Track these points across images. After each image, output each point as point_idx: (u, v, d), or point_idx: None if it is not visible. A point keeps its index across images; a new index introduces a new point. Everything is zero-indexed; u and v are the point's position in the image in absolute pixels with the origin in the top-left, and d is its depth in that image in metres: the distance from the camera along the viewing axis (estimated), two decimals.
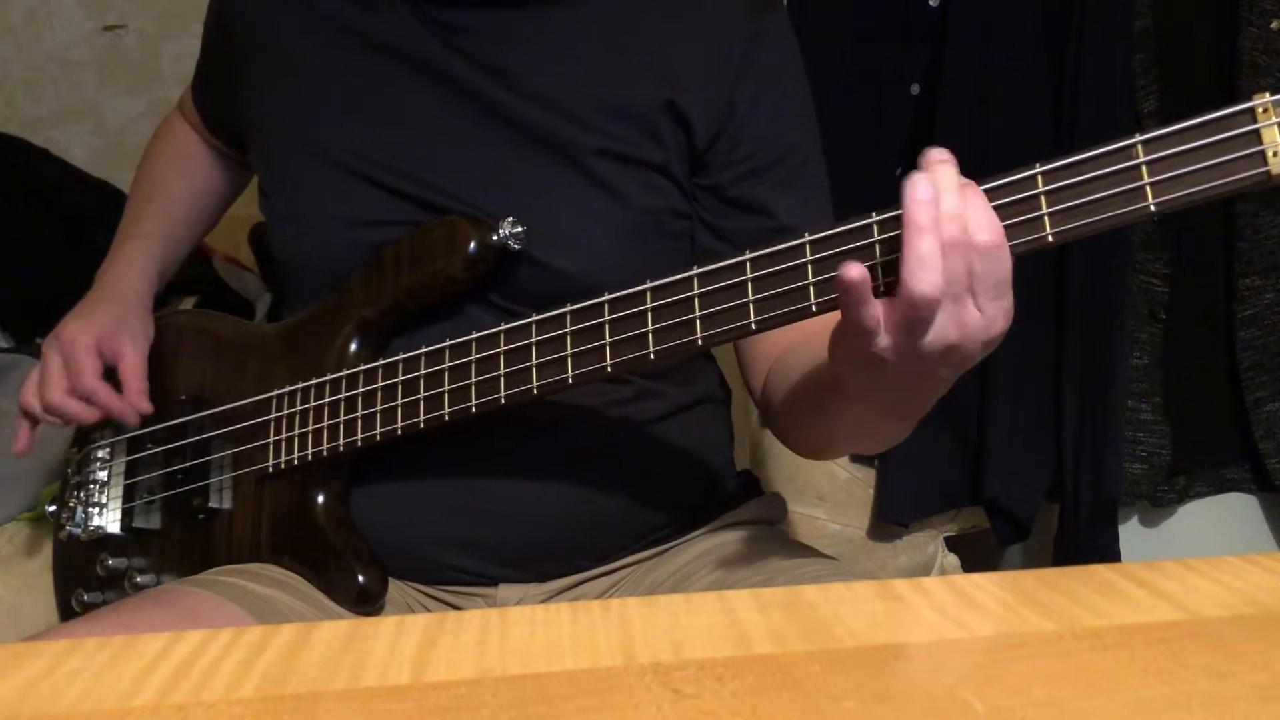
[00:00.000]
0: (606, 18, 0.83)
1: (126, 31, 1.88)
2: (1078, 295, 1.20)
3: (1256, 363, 1.19)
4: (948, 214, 0.53)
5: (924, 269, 0.53)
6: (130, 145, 1.87)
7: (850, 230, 0.59)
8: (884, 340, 0.56)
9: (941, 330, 0.55)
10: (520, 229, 0.78)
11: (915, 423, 0.68)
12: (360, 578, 0.82)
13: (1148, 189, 0.54)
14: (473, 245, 0.78)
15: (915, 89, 1.27)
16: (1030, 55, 1.22)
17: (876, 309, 0.56)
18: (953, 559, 1.33)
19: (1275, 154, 0.51)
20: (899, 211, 0.55)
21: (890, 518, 1.28)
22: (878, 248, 0.58)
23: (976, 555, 1.39)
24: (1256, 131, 0.52)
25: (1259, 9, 1.13)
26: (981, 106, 1.22)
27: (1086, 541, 1.22)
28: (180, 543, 0.91)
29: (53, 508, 1.00)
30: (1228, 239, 1.18)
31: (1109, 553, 1.22)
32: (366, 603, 0.82)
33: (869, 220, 0.59)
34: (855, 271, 0.54)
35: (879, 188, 1.26)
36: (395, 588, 0.85)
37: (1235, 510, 1.25)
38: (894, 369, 0.58)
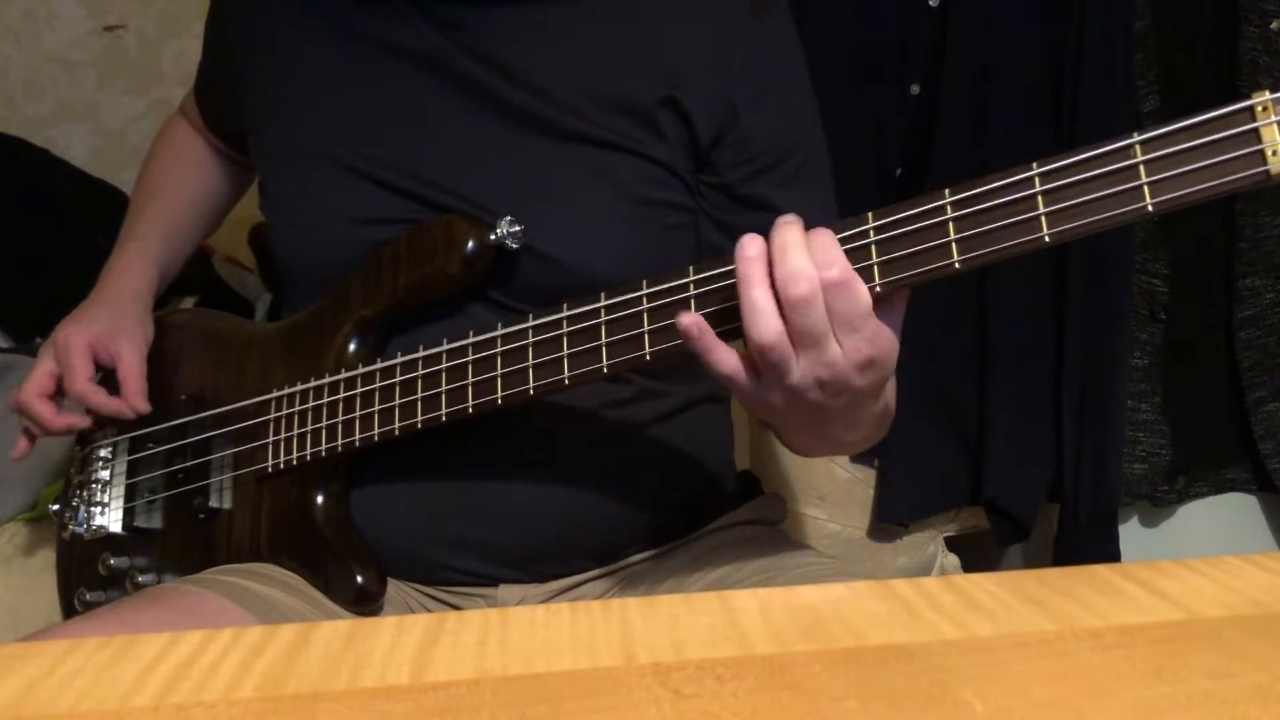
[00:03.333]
0: (607, 13, 0.83)
1: (126, 31, 1.88)
2: (1078, 295, 1.20)
3: (1256, 363, 1.19)
4: (794, 272, 0.57)
5: (759, 316, 0.58)
6: (130, 145, 1.87)
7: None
8: (752, 387, 0.61)
9: (809, 370, 0.59)
10: (518, 228, 0.78)
11: (877, 427, 0.71)
12: (359, 578, 0.82)
13: (1146, 189, 0.54)
14: (470, 244, 0.78)
15: (915, 89, 1.27)
16: (1030, 56, 1.22)
17: (728, 355, 0.61)
18: (953, 559, 1.32)
19: (1274, 153, 0.51)
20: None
21: (890, 518, 1.28)
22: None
23: (976, 555, 1.39)
24: (1256, 130, 0.52)
25: (1259, 9, 1.13)
26: (981, 107, 1.22)
27: (1086, 541, 1.22)
28: (181, 542, 0.91)
29: (56, 507, 1.00)
30: (1228, 239, 1.18)
31: (1109, 553, 1.22)
32: (365, 602, 0.82)
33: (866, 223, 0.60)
34: (686, 318, 0.61)
35: (879, 188, 1.26)
36: (395, 588, 0.85)
37: (1235, 510, 1.25)
38: (786, 410, 0.62)
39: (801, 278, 0.57)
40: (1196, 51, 1.18)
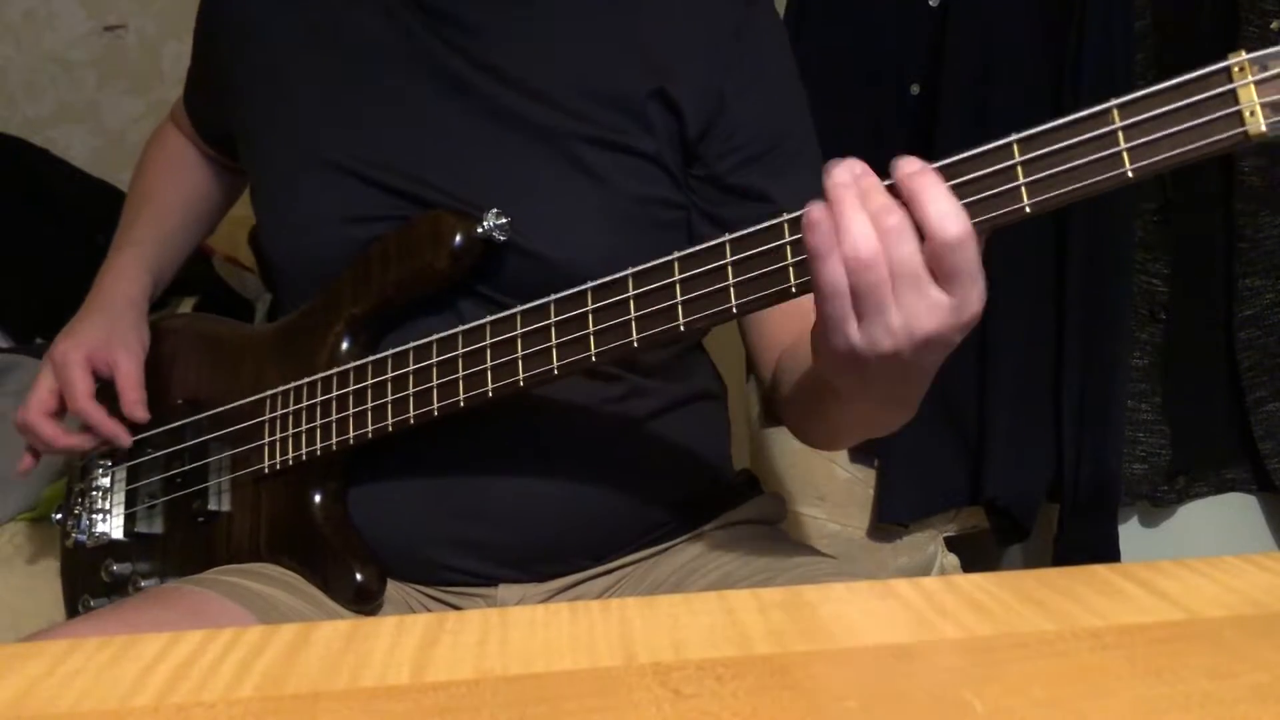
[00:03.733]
0: (594, 7, 0.84)
1: (126, 31, 1.88)
2: (1078, 295, 1.20)
3: (1256, 363, 1.19)
4: (874, 197, 0.55)
5: (856, 230, 0.54)
6: (130, 145, 1.87)
7: None
8: (854, 328, 0.56)
9: (910, 317, 0.55)
10: (505, 220, 0.78)
11: (916, 406, 0.68)
12: (358, 576, 0.82)
13: (1125, 154, 0.53)
14: (458, 238, 0.78)
15: (915, 89, 1.27)
16: (1030, 56, 1.22)
17: (838, 265, 0.55)
18: (953, 559, 1.32)
19: (1252, 113, 0.50)
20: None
21: (890, 518, 1.28)
22: None
23: (976, 555, 1.39)
24: (1233, 91, 0.51)
25: (1259, 9, 1.13)
26: (981, 107, 1.22)
27: (1086, 542, 1.22)
28: (182, 546, 0.91)
29: (59, 515, 1.00)
30: (1228, 239, 1.18)
31: (1109, 553, 1.22)
32: (365, 601, 0.82)
33: None
34: (816, 211, 0.56)
35: None
36: (395, 588, 0.85)
37: (1235, 510, 1.25)
38: (875, 365, 0.57)
39: (890, 211, 0.54)
40: (1196, 52, 1.18)
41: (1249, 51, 0.51)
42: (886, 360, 0.57)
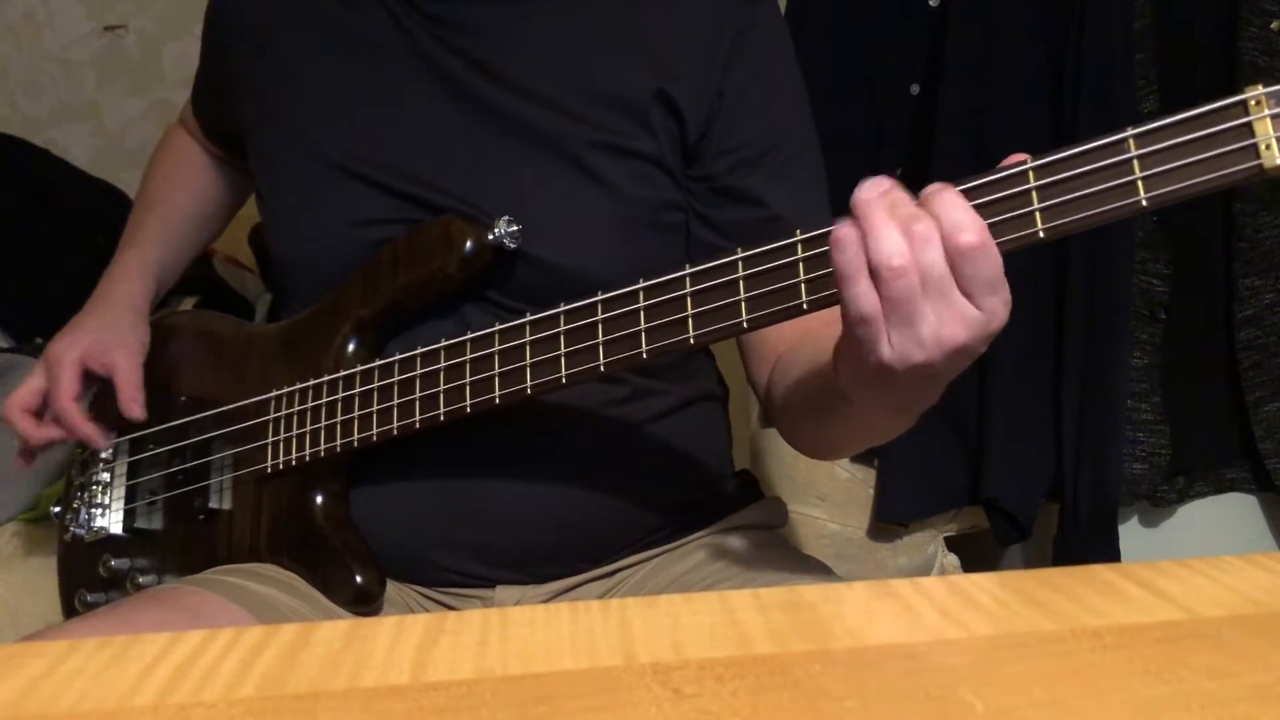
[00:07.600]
0: (597, 8, 0.84)
1: (126, 31, 1.88)
2: (1078, 295, 1.20)
3: (1256, 363, 1.19)
4: (905, 207, 0.54)
5: (888, 239, 0.53)
6: (130, 145, 1.88)
7: None
8: (885, 344, 0.56)
9: (940, 327, 0.54)
10: (516, 227, 0.79)
11: (919, 415, 0.68)
12: (358, 578, 0.82)
13: (1139, 183, 0.53)
14: (469, 244, 0.78)
15: (915, 89, 1.27)
16: (1030, 55, 1.22)
17: (870, 287, 0.55)
18: (953, 559, 1.32)
19: (1268, 147, 0.50)
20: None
21: (890, 518, 1.28)
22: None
23: (976, 555, 1.39)
24: (1249, 124, 0.51)
25: (1259, 9, 1.13)
26: (981, 107, 1.22)
27: (1086, 541, 1.22)
28: (181, 543, 0.91)
29: (58, 509, 1.00)
30: (1228, 239, 1.18)
31: (1109, 553, 1.22)
32: (364, 603, 0.82)
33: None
34: (844, 229, 0.55)
35: None
36: (394, 588, 0.85)
37: (1235, 510, 1.24)
38: (901, 376, 0.57)
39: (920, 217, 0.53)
40: (1196, 52, 1.18)
41: (1264, 85, 0.51)
42: (917, 371, 0.56)
